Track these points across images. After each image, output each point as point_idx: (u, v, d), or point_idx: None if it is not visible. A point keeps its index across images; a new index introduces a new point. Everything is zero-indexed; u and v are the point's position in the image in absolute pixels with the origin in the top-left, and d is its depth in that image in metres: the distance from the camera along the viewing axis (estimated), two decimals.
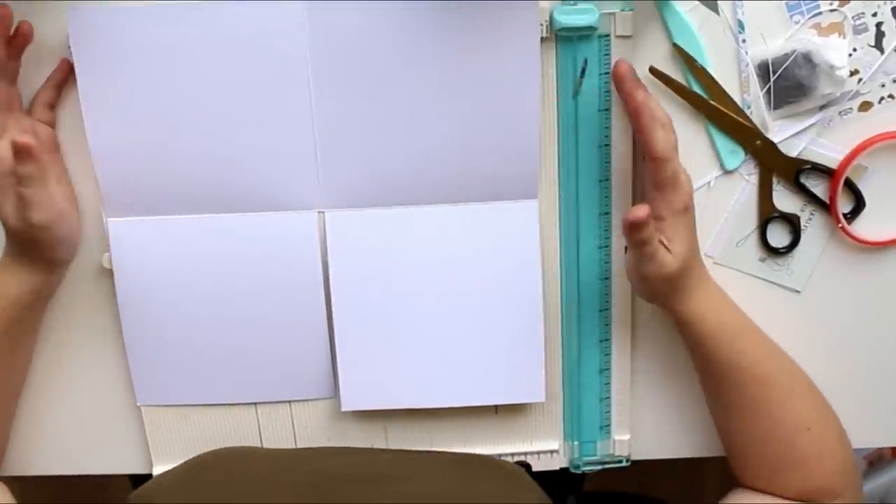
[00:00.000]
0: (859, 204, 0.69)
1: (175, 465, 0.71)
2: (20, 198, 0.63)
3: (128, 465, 0.75)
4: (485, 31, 0.63)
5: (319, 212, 0.68)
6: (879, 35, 0.66)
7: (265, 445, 0.74)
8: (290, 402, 0.73)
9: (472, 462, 0.70)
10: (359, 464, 0.68)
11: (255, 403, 0.73)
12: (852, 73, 0.66)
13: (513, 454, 0.75)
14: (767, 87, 0.67)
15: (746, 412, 0.67)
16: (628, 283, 0.71)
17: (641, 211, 0.60)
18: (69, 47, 0.64)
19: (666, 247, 0.63)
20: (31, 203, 0.63)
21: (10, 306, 0.66)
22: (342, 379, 0.71)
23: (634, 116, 0.63)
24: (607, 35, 0.65)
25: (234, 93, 0.65)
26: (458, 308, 0.70)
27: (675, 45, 0.66)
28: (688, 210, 0.64)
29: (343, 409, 0.71)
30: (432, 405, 0.72)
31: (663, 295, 0.66)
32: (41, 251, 0.66)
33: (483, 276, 0.69)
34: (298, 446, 0.74)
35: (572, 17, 0.64)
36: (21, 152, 0.61)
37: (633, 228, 0.61)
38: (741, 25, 0.66)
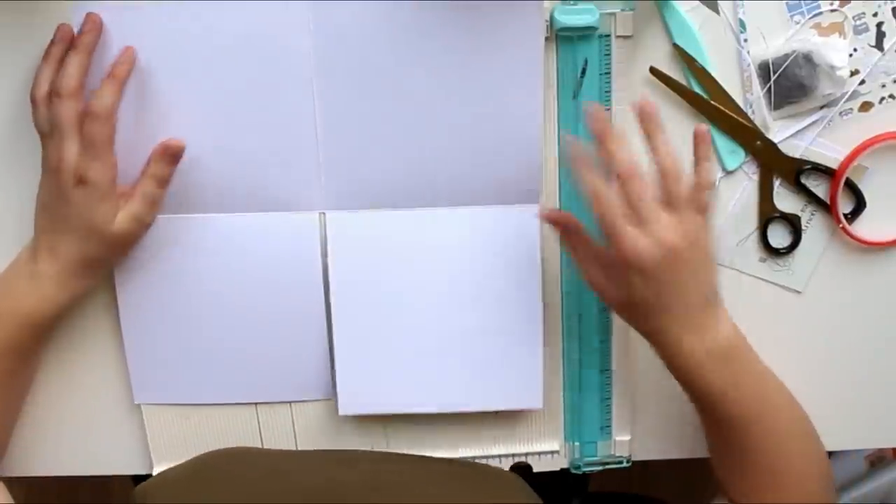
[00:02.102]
0: (860, 204, 0.69)
1: (175, 465, 0.71)
2: (151, 201, 0.64)
3: (128, 466, 0.75)
4: (490, 32, 0.63)
5: (321, 213, 0.68)
6: (880, 35, 0.66)
7: (265, 446, 0.74)
8: (290, 402, 0.73)
9: (469, 470, 0.70)
10: (359, 471, 0.67)
11: (255, 404, 0.73)
12: (853, 74, 0.66)
13: (513, 455, 0.75)
14: (768, 87, 0.67)
15: (731, 450, 0.66)
16: None
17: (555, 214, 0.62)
18: None
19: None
20: (157, 204, 0.65)
21: (51, 315, 0.66)
22: (340, 383, 0.70)
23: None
24: (608, 35, 0.65)
25: (237, 92, 0.65)
26: (457, 312, 0.70)
27: (675, 45, 0.66)
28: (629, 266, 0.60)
29: (340, 414, 0.71)
30: (429, 410, 0.71)
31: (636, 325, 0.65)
32: (115, 256, 0.67)
33: (483, 280, 0.69)
34: (299, 447, 0.74)
35: (573, 17, 0.64)
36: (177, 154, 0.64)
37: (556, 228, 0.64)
38: (742, 25, 0.66)
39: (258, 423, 0.74)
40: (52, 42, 0.63)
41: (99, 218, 0.63)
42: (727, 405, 0.63)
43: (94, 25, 0.62)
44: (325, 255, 0.69)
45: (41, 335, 0.67)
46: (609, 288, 0.62)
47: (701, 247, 0.61)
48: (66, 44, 0.62)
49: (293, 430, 0.74)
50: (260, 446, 0.74)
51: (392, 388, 0.71)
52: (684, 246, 0.59)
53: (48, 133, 0.63)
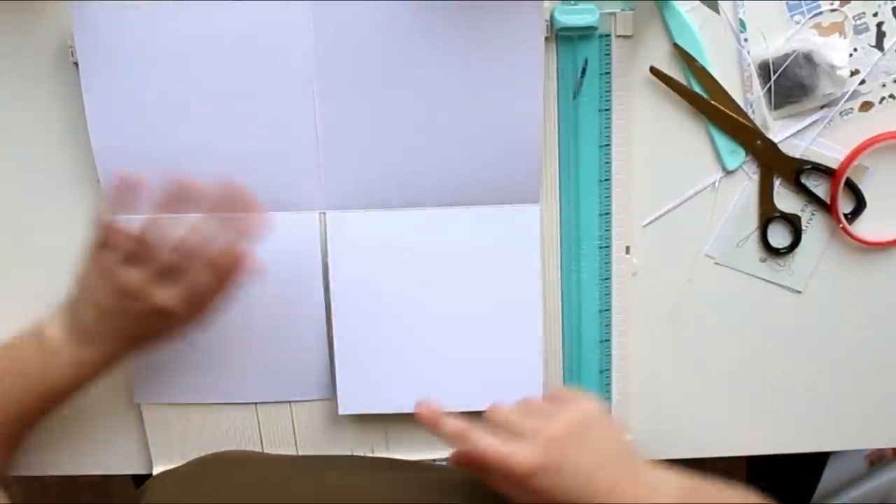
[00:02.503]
0: (860, 204, 0.69)
1: (174, 465, 0.71)
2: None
3: (128, 466, 0.75)
4: (490, 32, 0.63)
5: (321, 213, 0.68)
6: (880, 35, 0.66)
7: (265, 446, 0.74)
8: (290, 402, 0.73)
9: (469, 481, 0.70)
10: (358, 479, 0.67)
11: (255, 404, 0.73)
12: (853, 73, 0.66)
13: None
14: (768, 86, 0.67)
15: None
16: (629, 283, 0.71)
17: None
18: (70, 47, 0.64)
19: None
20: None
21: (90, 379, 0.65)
22: (340, 382, 0.71)
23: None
24: (608, 35, 0.65)
25: (237, 92, 0.65)
26: (457, 311, 0.70)
27: (675, 44, 0.66)
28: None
29: (340, 413, 0.71)
30: None
31: None
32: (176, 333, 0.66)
33: (483, 279, 0.69)
34: (299, 446, 0.74)
35: (573, 17, 0.64)
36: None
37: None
38: (742, 25, 0.66)
39: (258, 422, 0.74)
40: (177, 196, 0.61)
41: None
42: None
43: (238, 198, 0.62)
44: (325, 254, 0.69)
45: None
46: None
47: (592, 423, 0.59)
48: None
49: (293, 430, 0.74)
50: (260, 446, 0.74)
51: (392, 388, 0.71)
52: (569, 428, 0.58)
53: (134, 263, 0.62)
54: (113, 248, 0.61)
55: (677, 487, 0.60)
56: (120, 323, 0.63)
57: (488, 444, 0.59)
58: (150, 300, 0.61)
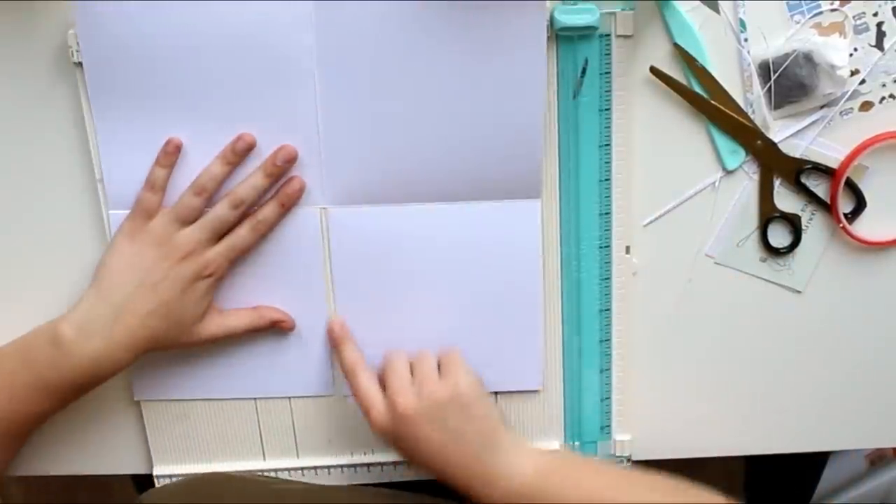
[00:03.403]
0: (860, 204, 0.69)
1: (174, 464, 0.71)
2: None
3: (128, 466, 0.75)
4: (493, 29, 0.63)
5: (322, 208, 0.68)
6: (880, 35, 0.66)
7: (265, 443, 0.74)
8: (290, 399, 0.73)
9: None
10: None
11: (254, 399, 0.73)
12: (853, 73, 0.66)
13: None
14: (768, 86, 0.67)
15: None
16: (629, 283, 0.71)
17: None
18: (69, 47, 0.64)
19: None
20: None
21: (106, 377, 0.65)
22: (339, 374, 0.71)
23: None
24: (608, 35, 0.65)
25: (239, 88, 0.65)
26: (458, 305, 0.70)
27: (675, 44, 0.66)
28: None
29: (343, 396, 0.72)
30: None
31: None
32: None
33: (483, 275, 0.69)
34: (298, 443, 0.74)
35: (573, 17, 0.64)
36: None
37: None
38: (742, 25, 0.66)
39: (258, 418, 0.74)
40: (234, 150, 0.65)
41: (199, 311, 0.66)
42: None
43: (290, 159, 0.65)
44: (326, 249, 0.69)
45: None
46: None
47: (451, 404, 0.62)
48: (247, 154, 0.65)
49: (292, 426, 0.74)
50: (259, 443, 0.74)
51: None
52: (423, 406, 0.62)
53: (187, 221, 0.64)
54: (160, 215, 0.64)
55: (535, 467, 0.62)
56: (142, 311, 0.64)
57: (361, 389, 0.65)
58: (202, 257, 0.64)
